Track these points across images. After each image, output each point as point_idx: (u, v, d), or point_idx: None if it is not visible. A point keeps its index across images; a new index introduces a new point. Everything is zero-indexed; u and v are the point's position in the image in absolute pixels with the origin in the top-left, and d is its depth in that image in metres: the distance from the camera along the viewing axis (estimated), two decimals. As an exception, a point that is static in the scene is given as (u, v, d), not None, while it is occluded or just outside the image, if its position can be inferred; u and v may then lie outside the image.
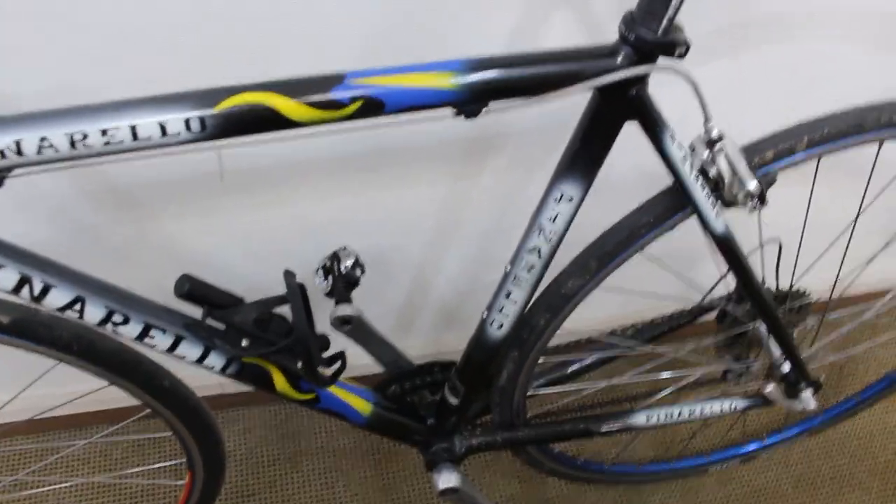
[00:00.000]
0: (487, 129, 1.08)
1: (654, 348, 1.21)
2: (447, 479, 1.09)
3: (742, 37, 1.06)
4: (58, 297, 0.72)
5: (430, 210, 1.21)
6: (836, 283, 1.15)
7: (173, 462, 1.44)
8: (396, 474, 1.48)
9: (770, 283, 1.09)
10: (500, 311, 0.91)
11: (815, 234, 1.18)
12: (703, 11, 1.00)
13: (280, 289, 0.86)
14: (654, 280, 1.47)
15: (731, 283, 1.09)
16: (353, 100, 0.64)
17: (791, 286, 1.13)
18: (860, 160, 0.97)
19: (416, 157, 1.10)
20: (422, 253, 1.29)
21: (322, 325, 0.90)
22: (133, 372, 0.86)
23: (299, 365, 0.88)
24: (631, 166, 1.15)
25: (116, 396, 0.96)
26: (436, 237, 1.26)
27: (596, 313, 1.52)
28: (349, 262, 0.99)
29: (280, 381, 0.91)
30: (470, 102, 0.67)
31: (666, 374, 1.26)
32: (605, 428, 1.16)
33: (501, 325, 0.93)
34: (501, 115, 1.04)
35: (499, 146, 1.12)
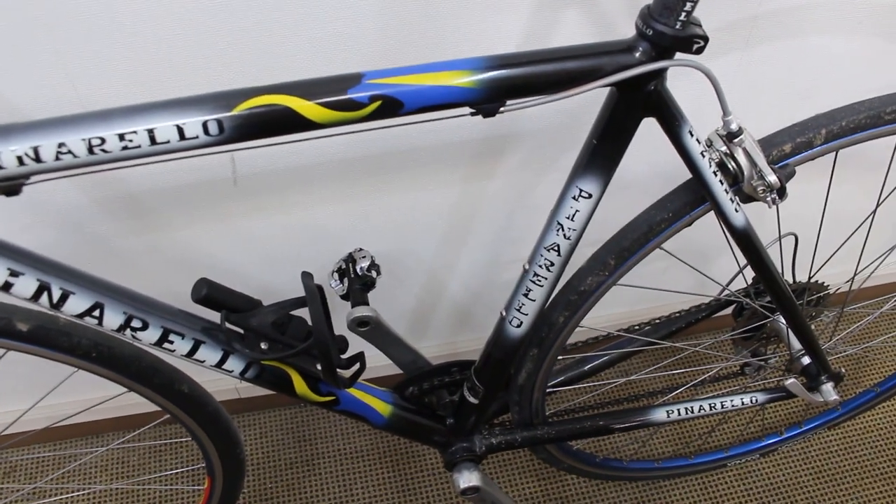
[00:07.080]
0: (499, 130, 1.07)
1: (671, 344, 1.20)
2: (468, 478, 1.08)
3: (752, 31, 1.05)
4: (76, 304, 0.71)
5: (443, 212, 1.20)
6: (854, 275, 1.14)
7: (191, 467, 1.45)
8: (415, 475, 1.47)
9: (788, 277, 1.08)
10: (519, 309, 0.91)
11: (832, 227, 1.17)
12: (714, 6, 1.00)
13: (296, 292, 0.85)
14: (671, 276, 1.47)
15: (748, 277, 1.08)
16: (372, 99, 0.64)
17: (809, 279, 1.12)
18: (877, 153, 0.96)
19: (428, 159, 1.09)
20: (435, 255, 1.28)
21: (339, 326, 0.90)
22: (152, 378, 0.86)
23: (318, 367, 0.87)
24: (646, 163, 1.14)
25: (133, 403, 0.96)
26: (448, 239, 1.26)
27: (613, 310, 1.53)
28: (365, 264, 0.99)
29: (299, 384, 0.91)
30: (487, 101, 0.66)
31: (684, 370, 1.26)
32: (624, 424, 1.16)
33: (520, 324, 0.92)
34: (514, 115, 1.03)
35: (511, 147, 1.11)
